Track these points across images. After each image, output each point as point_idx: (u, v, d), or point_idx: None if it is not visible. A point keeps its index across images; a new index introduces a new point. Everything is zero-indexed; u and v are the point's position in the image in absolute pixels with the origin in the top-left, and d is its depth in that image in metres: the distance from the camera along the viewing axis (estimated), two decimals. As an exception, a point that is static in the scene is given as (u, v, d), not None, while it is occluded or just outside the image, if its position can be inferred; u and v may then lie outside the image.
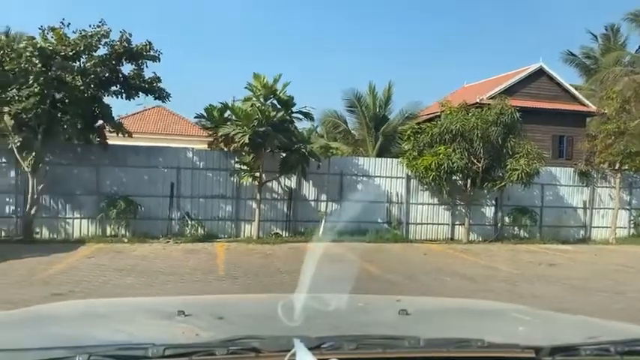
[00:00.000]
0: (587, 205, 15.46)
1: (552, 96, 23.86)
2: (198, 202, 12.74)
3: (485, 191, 14.04)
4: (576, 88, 25.10)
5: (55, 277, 7.44)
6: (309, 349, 1.02)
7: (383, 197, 14.00)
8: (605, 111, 15.04)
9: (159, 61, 11.16)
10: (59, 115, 10.47)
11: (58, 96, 10.53)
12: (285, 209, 13.26)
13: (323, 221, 12.98)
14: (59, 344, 1.12)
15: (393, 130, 21.18)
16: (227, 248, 10.86)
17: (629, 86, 14.89)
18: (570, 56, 29.27)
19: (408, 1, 60.64)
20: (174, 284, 7.18)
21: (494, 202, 14.69)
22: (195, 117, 12.67)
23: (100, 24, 10.61)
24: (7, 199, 11.79)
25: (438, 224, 14.46)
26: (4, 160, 11.62)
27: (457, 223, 14.48)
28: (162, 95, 11.66)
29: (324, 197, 13.46)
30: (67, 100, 10.57)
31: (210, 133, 13.19)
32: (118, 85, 11.27)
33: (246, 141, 11.37)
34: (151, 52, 11.04)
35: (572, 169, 15.66)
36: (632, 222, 15.73)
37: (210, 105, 12.68)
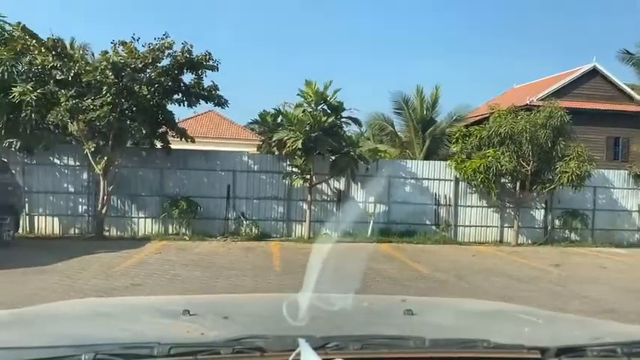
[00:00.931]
0: (643, 209, 15.14)
1: (607, 96, 23.26)
2: (252, 203, 13.40)
3: (535, 194, 14.01)
4: (633, 88, 24.29)
5: (129, 270, 8.20)
6: (314, 348, 1.02)
7: (431, 199, 14.24)
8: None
9: (217, 70, 11.89)
10: (127, 122, 11.31)
11: (126, 104, 11.39)
12: (335, 210, 13.72)
13: (371, 222, 13.39)
14: (65, 343, 1.13)
15: (440, 133, 21.24)
16: (280, 247, 11.43)
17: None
18: (626, 55, 28.34)
19: (457, 3, 59.97)
20: (237, 278, 7.78)
21: (544, 204, 14.62)
22: (250, 122, 13.39)
23: (164, 36, 11.44)
24: (80, 200, 12.83)
25: (487, 227, 14.54)
26: (77, 163, 12.67)
27: (506, 225, 14.51)
28: (220, 102, 12.37)
29: (372, 199, 13.83)
30: (134, 108, 11.42)
31: (264, 137, 13.85)
32: (180, 94, 12.05)
33: (299, 145, 11.93)
34: (210, 62, 11.76)
35: (627, 171, 15.35)
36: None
37: (263, 111, 13.43)
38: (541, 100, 21.12)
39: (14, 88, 10.60)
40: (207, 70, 11.95)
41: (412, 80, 63.52)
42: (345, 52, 65.63)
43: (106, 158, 11.47)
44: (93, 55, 13.53)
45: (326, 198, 13.74)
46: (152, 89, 11.13)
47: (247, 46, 65.00)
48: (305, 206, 13.27)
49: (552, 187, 13.24)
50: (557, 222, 14.61)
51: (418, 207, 14.06)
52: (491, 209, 14.47)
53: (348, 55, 63.50)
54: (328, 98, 12.63)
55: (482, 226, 14.48)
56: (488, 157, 13.00)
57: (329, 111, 12.77)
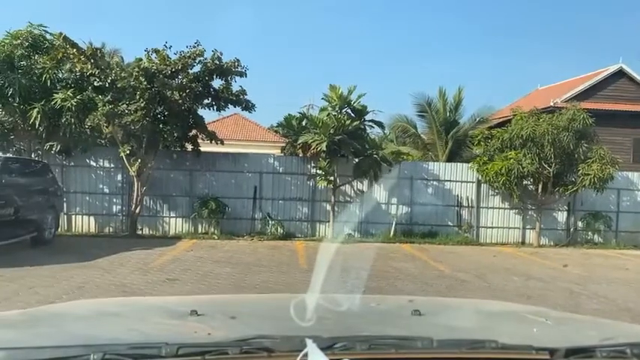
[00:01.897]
0: (668, 211, 15.06)
1: (634, 98, 23.04)
2: (278, 203, 13.83)
3: (557, 196, 14.11)
4: (661, 90, 23.98)
5: (164, 266, 8.70)
6: (322, 349, 1.03)
7: (453, 201, 14.46)
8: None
9: (245, 76, 12.35)
10: (160, 126, 11.87)
11: (159, 109, 11.97)
12: (358, 211, 14.04)
13: (394, 223, 13.69)
14: (74, 343, 1.14)
15: (463, 135, 21.35)
16: (305, 246, 11.82)
17: None
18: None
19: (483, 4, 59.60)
20: (265, 274, 8.20)
21: (566, 206, 14.70)
22: (277, 126, 13.79)
23: (195, 44, 11.95)
24: (115, 200, 13.46)
25: (509, 228, 14.68)
26: (112, 165, 13.30)
27: (528, 227, 14.63)
28: (247, 106, 12.83)
29: (394, 200, 14.12)
30: (166, 113, 11.97)
31: (289, 140, 14.29)
32: (210, 98, 12.55)
33: (324, 148, 12.32)
34: (239, 69, 12.23)
35: (652, 173, 15.31)
36: None
37: (289, 115, 13.87)
38: (565, 102, 21.10)
39: (56, 95, 11.25)
40: (236, 76, 12.41)
41: (436, 81, 63.34)
42: (367, 54, 65.87)
43: (139, 160, 12.04)
44: (122, 59, 14.17)
45: (349, 199, 14.09)
46: (183, 94, 11.63)
47: (268, 46, 65.74)
48: (329, 207, 13.64)
49: (575, 189, 13.33)
50: (580, 224, 14.67)
51: (440, 208, 14.30)
52: (513, 211, 14.61)
53: (370, 57, 63.68)
54: (352, 102, 13.00)
55: (504, 228, 14.62)
56: (510, 159, 13.16)
57: (353, 115, 13.13)
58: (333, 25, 68.76)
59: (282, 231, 13.35)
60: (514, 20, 59.34)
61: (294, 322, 1.32)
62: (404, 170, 14.29)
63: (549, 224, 14.63)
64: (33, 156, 12.37)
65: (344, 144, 12.51)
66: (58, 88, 11.65)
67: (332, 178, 13.25)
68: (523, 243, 14.43)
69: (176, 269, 8.38)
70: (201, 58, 11.94)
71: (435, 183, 14.44)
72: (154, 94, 11.48)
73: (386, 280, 7.98)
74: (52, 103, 11.31)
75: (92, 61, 11.37)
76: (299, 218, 13.96)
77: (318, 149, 12.53)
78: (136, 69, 11.42)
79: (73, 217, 13.28)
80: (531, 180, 13.78)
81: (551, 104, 20.55)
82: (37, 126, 11.44)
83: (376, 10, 61.87)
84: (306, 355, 1.01)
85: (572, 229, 14.67)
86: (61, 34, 11.58)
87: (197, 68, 12.11)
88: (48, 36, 12.04)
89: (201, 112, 12.92)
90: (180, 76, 11.80)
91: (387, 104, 71.13)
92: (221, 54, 12.00)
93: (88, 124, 11.53)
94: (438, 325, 1.63)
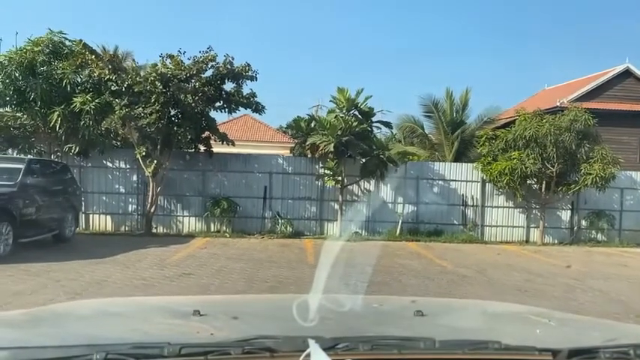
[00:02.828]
0: (671, 210, 15.29)
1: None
2: (287, 203, 14.27)
3: (560, 195, 14.40)
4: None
5: (180, 262, 9.16)
6: (324, 349, 1.03)
7: (458, 200, 14.80)
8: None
9: (256, 80, 12.80)
10: (174, 128, 12.34)
11: (173, 112, 12.45)
12: (365, 210, 14.44)
13: (400, 222, 14.07)
14: (76, 342, 1.14)
15: (470, 135, 21.65)
16: (314, 244, 12.22)
17: None
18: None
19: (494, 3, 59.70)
20: (275, 270, 8.63)
21: (570, 205, 14.99)
22: (286, 127, 14.18)
23: (207, 50, 12.43)
24: (130, 200, 13.97)
25: (513, 227, 15.00)
26: (128, 166, 13.82)
27: (532, 225, 14.94)
28: (257, 108, 13.28)
29: (400, 199, 14.50)
30: (180, 116, 12.46)
31: (298, 141, 14.73)
32: (222, 101, 13.02)
33: (331, 149, 12.74)
34: (249, 73, 12.68)
35: (655, 173, 15.55)
36: None
37: (298, 116, 14.33)
38: (572, 102, 21.34)
39: (75, 99, 11.76)
40: (246, 80, 12.86)
41: (445, 81, 63.60)
42: (378, 53, 66.17)
43: (155, 162, 12.52)
44: (134, 61, 14.66)
45: (356, 198, 14.48)
46: (196, 98, 12.10)
47: (274, 48, 66.27)
48: (336, 206, 14.05)
49: (577, 188, 13.62)
50: (583, 222, 14.95)
51: (446, 207, 14.66)
52: (518, 210, 14.92)
53: (380, 56, 64.01)
54: (359, 104, 13.42)
55: (508, 226, 14.94)
56: (514, 159, 13.48)
57: (360, 116, 13.54)
58: (344, 23, 69.19)
59: (291, 229, 13.77)
60: (523, 20, 59.35)
61: (297, 323, 1.33)
62: (410, 170, 14.67)
63: (553, 223, 14.93)
64: (52, 157, 12.89)
65: (351, 145, 12.92)
66: (77, 92, 12.15)
67: (340, 178, 13.65)
68: (527, 241, 14.74)
69: (191, 265, 8.84)
70: (214, 63, 12.41)
71: (440, 182, 14.80)
72: (168, 97, 11.96)
73: (390, 275, 8.37)
74: (72, 106, 11.82)
75: (110, 66, 11.88)
76: (308, 217, 14.38)
77: (326, 150, 12.95)
78: (153, 74, 11.90)
79: (91, 216, 13.80)
80: (535, 179, 14.09)
81: (558, 104, 20.76)
82: (57, 128, 11.96)
83: (387, 9, 62.20)
84: (308, 355, 1.02)
85: (575, 228, 14.94)
86: (80, 41, 12.12)
87: (209, 72, 12.59)
88: (67, 42, 12.58)
89: (212, 113, 13.41)
90: (193, 81, 12.26)
91: (396, 104, 71.61)
92: (233, 59, 12.50)
93: (106, 126, 12.02)
94: (441, 325, 1.63)
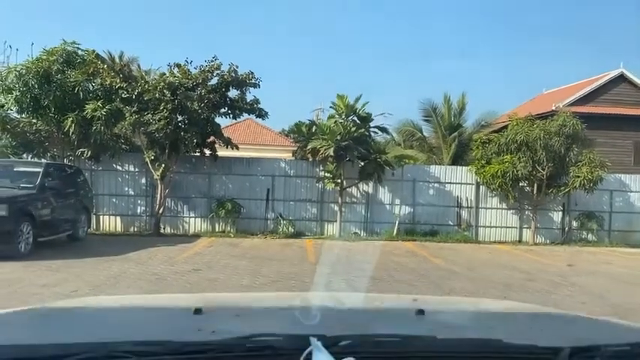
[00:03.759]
0: (659, 211, 15.86)
1: (634, 102, 23.78)
2: (289, 204, 14.89)
3: (552, 197, 14.99)
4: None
5: (188, 259, 9.79)
6: (326, 347, 1.03)
7: (453, 202, 15.40)
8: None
9: (259, 87, 13.45)
10: (181, 133, 12.98)
11: (180, 118, 13.09)
12: (363, 212, 15.07)
13: (397, 222, 14.67)
14: (77, 340, 1.14)
15: (467, 139, 22.23)
16: (314, 243, 12.83)
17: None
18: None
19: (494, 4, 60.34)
20: (277, 266, 9.24)
21: (561, 207, 15.57)
22: (288, 132, 14.83)
23: (213, 59, 13.09)
24: (139, 201, 14.61)
25: (507, 227, 15.59)
26: (137, 169, 14.47)
27: (525, 226, 15.53)
28: (261, 114, 13.93)
29: (398, 201, 15.11)
30: (187, 122, 13.09)
31: (299, 145, 15.38)
32: (226, 108, 13.66)
33: (331, 153, 13.37)
34: (253, 80, 13.33)
35: (643, 175, 16.13)
36: None
37: (299, 121, 14.98)
38: (568, 106, 21.95)
39: (88, 105, 12.40)
40: (250, 87, 13.51)
41: (447, 84, 64.27)
42: (380, 55, 66.86)
43: (163, 165, 13.17)
44: (139, 66, 15.29)
45: (355, 200, 15.10)
46: (202, 105, 12.74)
47: (275, 49, 67.04)
48: (336, 208, 14.68)
49: (566, 190, 14.22)
50: (574, 223, 15.53)
51: (441, 209, 15.27)
52: (511, 211, 15.51)
53: (383, 58, 64.72)
54: (357, 110, 14.04)
55: (501, 227, 15.53)
56: (505, 162, 14.09)
57: (358, 121, 14.16)
58: (346, 25, 69.90)
59: (292, 230, 14.39)
60: (524, 22, 59.99)
61: (299, 321, 1.33)
62: (407, 173, 15.27)
63: (545, 224, 15.51)
64: (65, 161, 13.53)
65: (349, 149, 13.55)
66: (89, 99, 12.77)
67: (339, 180, 14.27)
68: (520, 241, 15.32)
69: (199, 262, 9.47)
70: (219, 71, 13.06)
71: (436, 185, 15.41)
72: (176, 105, 12.60)
73: (386, 271, 8.97)
74: (84, 113, 12.45)
75: (121, 75, 12.53)
76: (308, 218, 15.00)
77: (326, 154, 13.58)
78: (162, 83, 12.55)
79: (101, 217, 14.43)
80: (527, 182, 14.68)
81: (553, 108, 21.31)
82: (70, 134, 12.59)
83: (390, 10, 62.89)
84: (310, 353, 1.02)
85: (566, 229, 15.52)
86: (93, 51, 12.78)
87: (214, 80, 13.23)
88: (79, 52, 13.22)
89: (217, 119, 14.07)
90: (199, 88, 12.90)
91: (399, 106, 72.44)
92: (237, 67, 13.15)
93: (116, 132, 12.66)
94: (442, 324, 1.63)
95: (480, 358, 1.16)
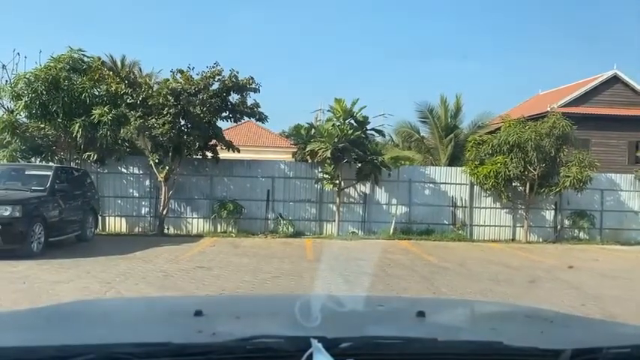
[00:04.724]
0: (649, 209, 16.32)
1: (628, 102, 24.26)
2: (288, 205, 15.37)
3: (544, 196, 15.44)
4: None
5: (192, 257, 10.26)
6: (326, 349, 1.04)
7: (448, 202, 15.87)
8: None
9: (259, 92, 13.95)
10: (184, 137, 13.48)
11: (183, 122, 13.59)
12: (361, 211, 15.54)
13: (393, 222, 15.14)
14: (78, 342, 1.15)
15: (464, 140, 22.68)
16: (313, 242, 13.31)
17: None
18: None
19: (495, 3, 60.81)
20: (277, 264, 9.71)
21: (553, 206, 16.02)
22: (287, 135, 15.30)
23: (214, 65, 13.59)
24: (143, 203, 15.09)
25: (500, 226, 16.04)
26: (141, 172, 14.96)
27: (518, 225, 15.97)
28: (261, 118, 14.43)
29: (394, 201, 15.58)
30: (190, 126, 13.60)
31: (299, 147, 15.88)
32: (228, 112, 14.15)
33: (329, 155, 13.86)
34: (253, 85, 13.82)
35: (633, 175, 16.57)
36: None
37: (298, 124, 15.51)
38: (562, 107, 22.44)
39: (94, 111, 12.88)
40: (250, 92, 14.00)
41: (447, 84, 64.78)
42: (380, 55, 67.36)
43: (167, 168, 13.66)
44: (140, 69, 15.77)
45: (353, 201, 15.58)
46: (204, 109, 13.23)
47: (275, 51, 67.53)
48: (334, 208, 15.16)
49: (557, 190, 14.69)
50: (566, 222, 15.97)
51: (436, 208, 15.73)
52: (504, 210, 15.97)
53: (383, 58, 65.24)
54: (355, 114, 14.54)
55: (495, 226, 15.99)
56: (498, 163, 14.56)
57: (355, 124, 14.65)
58: (345, 26, 70.45)
59: (292, 229, 14.86)
60: (524, 23, 60.45)
61: (299, 322, 1.32)
62: (403, 174, 15.74)
63: (538, 222, 15.97)
64: (72, 164, 14.01)
65: (347, 151, 14.04)
66: (95, 104, 13.25)
67: (337, 181, 14.75)
68: (513, 240, 15.77)
69: (203, 260, 9.95)
70: (220, 77, 13.54)
71: (431, 185, 15.88)
72: (179, 109, 13.10)
73: (380, 267, 9.44)
74: (91, 118, 12.94)
75: (126, 81, 13.02)
76: (308, 218, 15.48)
77: (324, 156, 14.07)
78: (165, 89, 13.04)
79: (107, 218, 14.90)
80: (519, 182, 15.15)
81: (548, 109, 21.77)
82: (77, 138, 13.08)
83: (390, 10, 63.41)
84: (310, 355, 1.03)
85: (559, 227, 15.97)
86: (99, 58, 13.27)
87: (216, 85, 13.71)
88: (85, 59, 13.72)
89: (219, 123, 14.50)
90: (201, 94, 13.38)
91: (399, 106, 73.20)
92: (237, 72, 13.64)
93: (123, 136, 13.15)
94: (443, 325, 1.64)
95: None
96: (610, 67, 24.79)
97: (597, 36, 54.26)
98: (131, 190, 15.10)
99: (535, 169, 14.51)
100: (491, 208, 16.00)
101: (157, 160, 13.51)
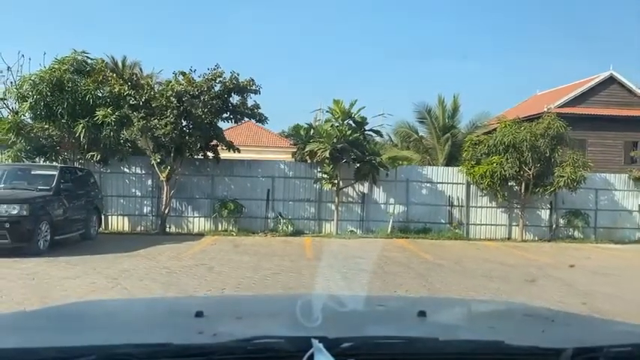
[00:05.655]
0: (642, 208, 16.60)
1: (624, 103, 24.52)
2: (288, 204, 15.65)
3: (539, 195, 15.71)
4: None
5: (194, 255, 10.53)
6: (327, 349, 1.04)
7: (445, 201, 16.14)
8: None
9: (259, 93, 14.22)
10: (186, 137, 13.75)
11: (185, 123, 13.87)
12: (359, 211, 15.82)
13: (391, 221, 15.41)
14: (78, 342, 1.15)
15: (461, 140, 22.95)
16: (312, 241, 13.57)
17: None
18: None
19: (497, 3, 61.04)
20: (277, 261, 9.99)
21: (549, 205, 16.29)
22: (287, 135, 15.57)
23: (215, 67, 13.86)
24: (145, 202, 15.37)
25: (496, 225, 16.31)
26: (144, 172, 15.23)
27: (514, 224, 16.24)
28: (261, 119, 14.70)
29: (392, 201, 15.86)
30: (191, 126, 13.88)
31: (298, 147, 16.15)
32: (228, 113, 14.42)
33: (327, 155, 14.14)
34: (253, 87, 14.09)
35: (627, 175, 16.84)
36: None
37: (297, 124, 15.76)
38: (559, 107, 22.71)
39: (98, 112, 13.14)
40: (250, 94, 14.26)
41: (447, 83, 65.04)
42: (379, 55, 67.62)
43: (168, 168, 13.93)
44: (141, 69, 16.00)
45: (351, 200, 15.85)
46: (206, 110, 13.50)
47: (275, 52, 67.79)
48: (333, 207, 15.44)
49: (552, 189, 14.96)
50: (561, 221, 16.24)
51: (434, 208, 16.01)
52: (500, 209, 16.24)
53: (382, 58, 65.50)
54: (353, 115, 14.81)
55: (491, 225, 16.26)
56: (494, 163, 14.84)
57: (354, 125, 14.93)
58: (345, 26, 70.70)
59: (292, 228, 15.12)
60: (524, 24, 60.69)
61: (300, 323, 1.32)
62: (400, 174, 16.01)
63: (533, 221, 16.24)
64: (76, 164, 14.26)
65: (345, 151, 14.31)
66: (99, 105, 13.50)
67: (336, 181, 15.02)
68: (509, 238, 16.04)
69: (205, 257, 10.22)
70: (221, 79, 13.81)
71: (428, 185, 16.15)
72: (181, 111, 13.37)
73: (377, 265, 9.71)
74: (95, 119, 13.19)
75: (129, 83, 13.29)
76: (307, 217, 15.75)
77: (323, 156, 14.34)
78: (169, 91, 13.31)
79: (110, 217, 15.17)
80: (515, 181, 15.42)
81: (545, 109, 22.02)
82: (81, 139, 13.33)
83: (390, 10, 63.63)
84: (312, 355, 1.03)
85: (554, 226, 16.24)
86: (102, 60, 13.53)
87: (217, 87, 13.98)
88: (89, 61, 13.98)
89: (220, 123, 14.78)
90: (203, 95, 13.64)
91: (399, 106, 73.52)
92: (238, 74, 13.92)
93: (126, 136, 13.42)
94: (444, 325, 1.64)
95: (482, 359, 1.18)
96: (609, 66, 25.03)
97: (597, 36, 54.51)
98: (133, 190, 15.37)
99: (530, 169, 14.79)
100: (487, 207, 16.27)
101: (158, 160, 13.77)
